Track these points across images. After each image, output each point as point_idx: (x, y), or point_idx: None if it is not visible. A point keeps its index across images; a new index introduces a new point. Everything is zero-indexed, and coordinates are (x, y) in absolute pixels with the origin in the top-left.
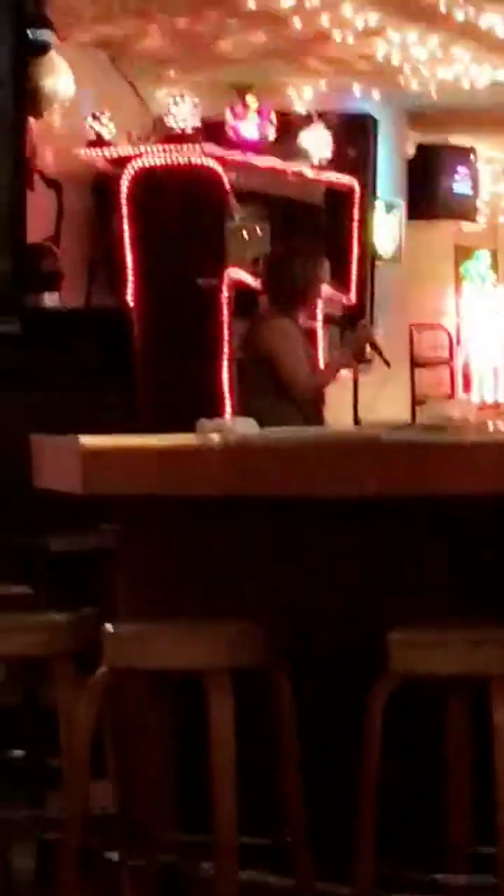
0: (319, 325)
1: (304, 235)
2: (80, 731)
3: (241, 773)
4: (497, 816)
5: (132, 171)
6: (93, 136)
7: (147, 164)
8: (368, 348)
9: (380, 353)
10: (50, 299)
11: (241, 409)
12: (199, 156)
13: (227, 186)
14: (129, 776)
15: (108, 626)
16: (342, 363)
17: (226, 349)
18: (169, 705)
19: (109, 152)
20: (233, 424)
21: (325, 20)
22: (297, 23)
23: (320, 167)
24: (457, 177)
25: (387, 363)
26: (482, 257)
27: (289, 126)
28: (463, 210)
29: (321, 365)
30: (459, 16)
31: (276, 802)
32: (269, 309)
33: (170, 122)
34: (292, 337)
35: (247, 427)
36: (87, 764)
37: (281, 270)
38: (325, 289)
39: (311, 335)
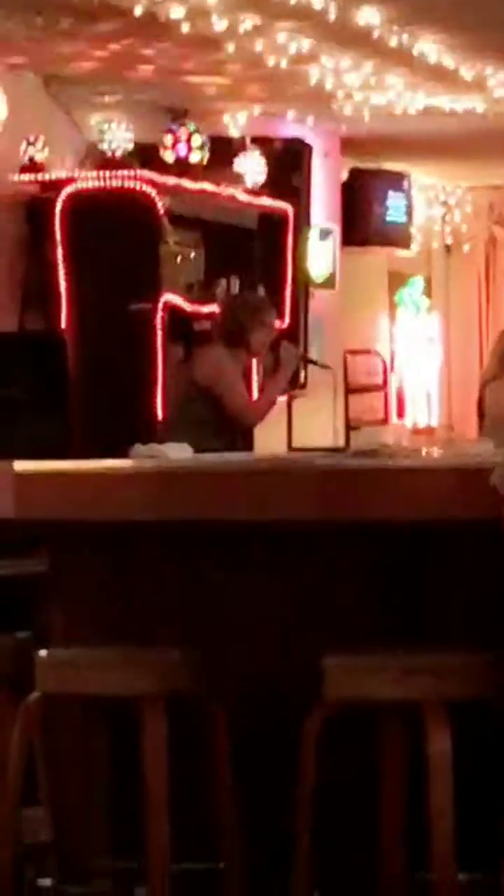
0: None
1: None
2: (12, 757)
3: (174, 799)
4: (432, 843)
5: (66, 196)
6: (26, 161)
7: (81, 189)
8: (301, 365)
9: (315, 363)
10: None
11: (167, 434)
12: (133, 180)
13: (161, 211)
14: (62, 802)
15: (42, 652)
16: (278, 390)
17: (160, 374)
18: (102, 731)
19: (43, 177)
20: (166, 450)
21: (258, 45)
22: (230, 48)
23: (254, 192)
24: (390, 203)
25: (325, 366)
26: (416, 283)
27: (223, 151)
28: (397, 236)
29: (255, 396)
30: (393, 42)
31: (210, 829)
32: (210, 340)
33: (103, 146)
34: (229, 370)
35: (180, 452)
36: (19, 790)
37: (231, 308)
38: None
39: (246, 369)
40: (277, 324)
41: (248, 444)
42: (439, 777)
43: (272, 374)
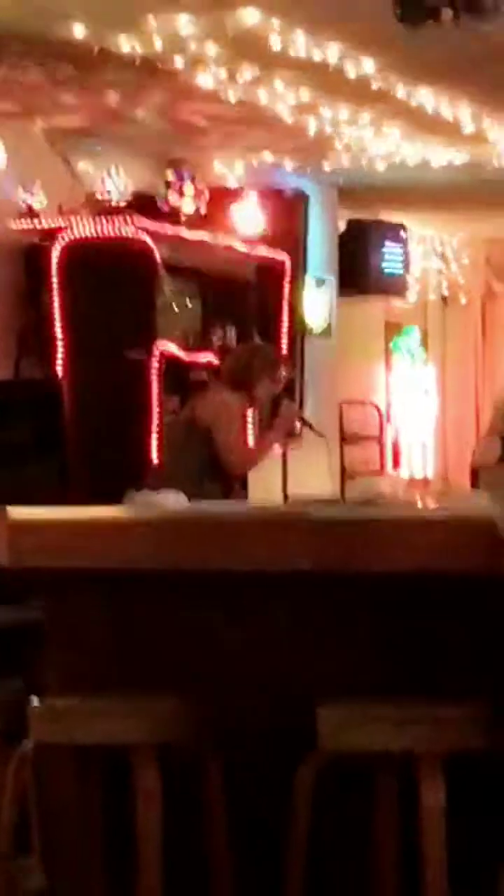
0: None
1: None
2: (5, 805)
3: (168, 848)
4: (425, 894)
5: (62, 244)
6: (23, 208)
7: (78, 237)
8: (298, 424)
9: (310, 427)
10: None
11: (163, 474)
12: (130, 229)
13: (158, 260)
14: (55, 851)
15: (35, 701)
16: (271, 444)
17: (155, 421)
18: (96, 780)
19: (40, 224)
20: (162, 497)
21: (256, 96)
22: (229, 98)
23: (251, 242)
24: (387, 253)
25: (320, 434)
26: (412, 334)
27: (220, 201)
28: (393, 287)
29: (251, 443)
30: (391, 93)
31: (204, 879)
32: (216, 383)
33: (101, 195)
34: (231, 414)
35: (176, 500)
36: (10, 839)
37: (247, 353)
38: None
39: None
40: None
41: (243, 493)
42: (433, 829)
43: (269, 427)
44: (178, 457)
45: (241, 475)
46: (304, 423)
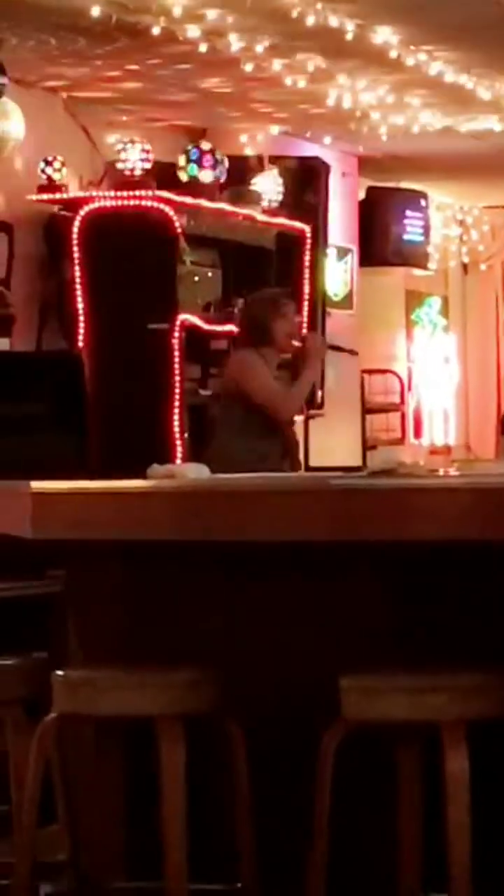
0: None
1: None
2: (30, 777)
3: (192, 819)
4: (449, 863)
5: (83, 215)
6: (44, 180)
7: (98, 208)
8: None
9: (341, 349)
10: (0, 343)
11: (218, 450)
12: (151, 200)
13: (179, 230)
14: (79, 822)
15: (58, 672)
16: (310, 380)
17: (177, 393)
18: (120, 751)
19: (61, 196)
20: (184, 470)
21: (275, 65)
22: (247, 68)
23: (272, 212)
24: (408, 223)
25: (353, 352)
26: (433, 303)
27: (241, 170)
28: (414, 256)
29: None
30: (410, 62)
31: (228, 849)
32: (234, 347)
33: (121, 166)
34: (255, 365)
35: (198, 472)
36: (36, 810)
37: (244, 310)
38: (295, 328)
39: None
40: (298, 316)
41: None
42: (457, 796)
43: (303, 365)
44: (223, 426)
45: (289, 419)
46: (335, 348)
